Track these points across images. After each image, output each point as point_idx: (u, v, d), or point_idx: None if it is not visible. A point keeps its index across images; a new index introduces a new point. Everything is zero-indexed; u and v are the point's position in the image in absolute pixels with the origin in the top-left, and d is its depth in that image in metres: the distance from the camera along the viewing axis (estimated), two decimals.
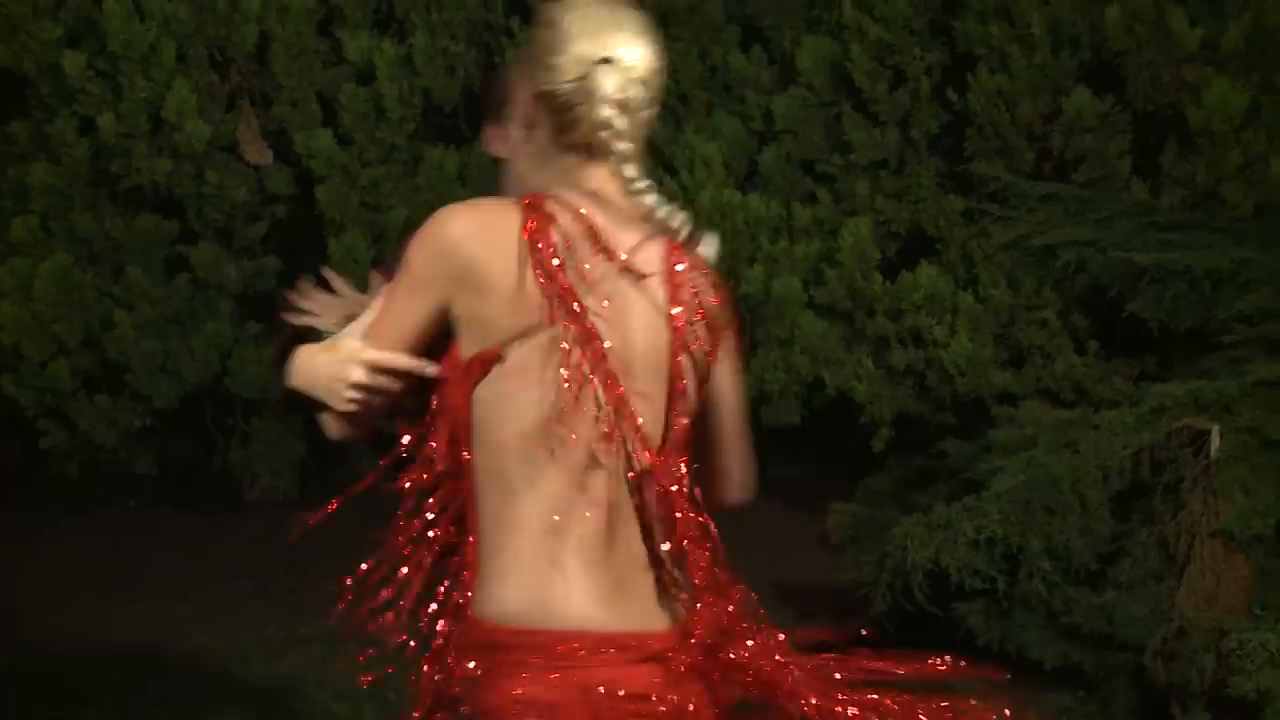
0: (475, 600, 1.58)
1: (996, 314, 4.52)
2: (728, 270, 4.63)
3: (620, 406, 1.56)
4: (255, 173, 4.89)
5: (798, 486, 5.14)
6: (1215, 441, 3.33)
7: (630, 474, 1.57)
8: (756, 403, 4.75)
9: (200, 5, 4.70)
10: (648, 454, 1.57)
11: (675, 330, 1.59)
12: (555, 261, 1.56)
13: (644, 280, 1.60)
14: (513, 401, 1.56)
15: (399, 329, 1.61)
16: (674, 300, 1.60)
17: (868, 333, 4.66)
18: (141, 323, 4.70)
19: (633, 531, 1.59)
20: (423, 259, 1.60)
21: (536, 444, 1.55)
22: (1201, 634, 3.20)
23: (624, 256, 1.59)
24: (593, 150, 1.62)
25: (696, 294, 1.61)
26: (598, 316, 1.56)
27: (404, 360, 1.62)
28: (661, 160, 4.83)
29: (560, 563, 1.55)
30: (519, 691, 1.52)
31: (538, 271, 1.56)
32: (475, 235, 1.59)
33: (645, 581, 1.60)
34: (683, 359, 1.60)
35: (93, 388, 4.81)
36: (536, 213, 1.59)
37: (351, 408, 1.63)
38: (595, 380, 1.55)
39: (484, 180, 5.02)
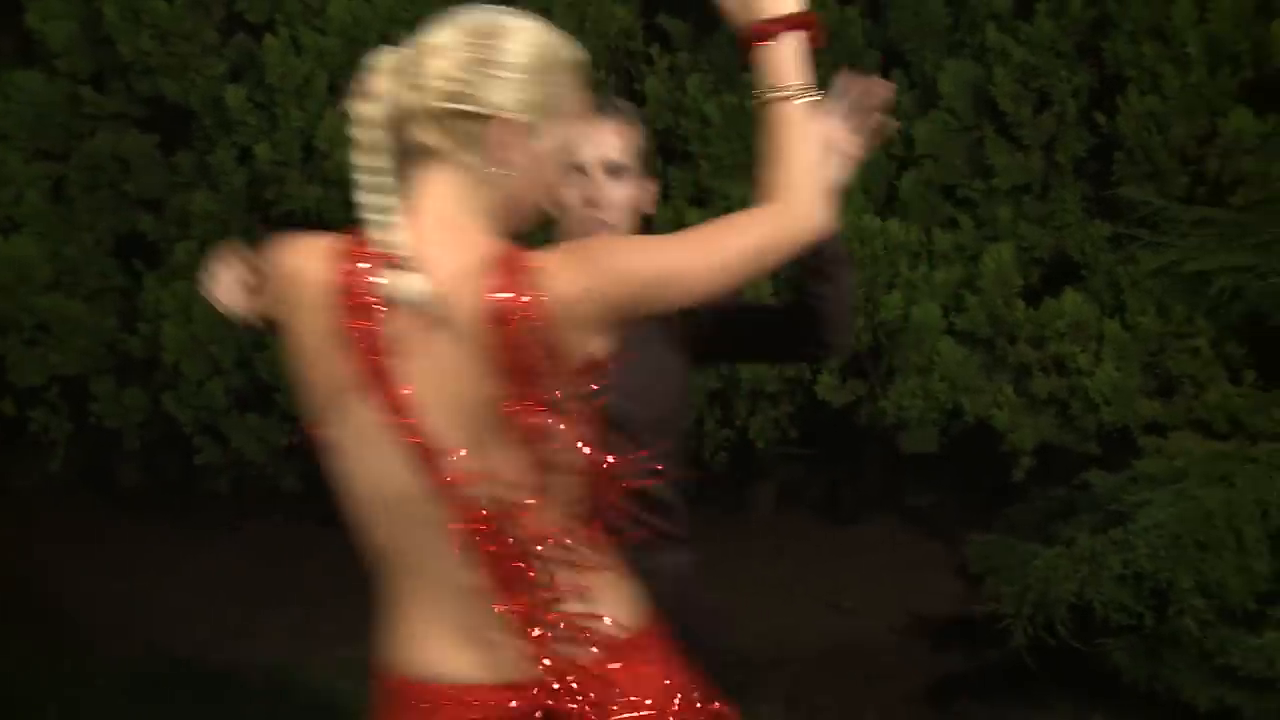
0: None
1: (1145, 342, 4.38)
2: (866, 296, 4.59)
3: (434, 476, 1.48)
4: None
5: (934, 515, 5.06)
6: None
7: (455, 537, 1.49)
8: (893, 430, 4.68)
9: (351, 38, 4.86)
10: (469, 518, 1.48)
11: (507, 370, 1.45)
12: (368, 316, 1.46)
13: (465, 339, 1.46)
14: (345, 476, 1.56)
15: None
16: (498, 338, 1.44)
17: (1009, 360, 4.56)
18: None
19: (473, 588, 1.52)
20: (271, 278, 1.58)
21: (369, 513, 1.56)
22: None
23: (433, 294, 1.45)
24: (410, 156, 1.51)
25: (527, 318, 1.44)
26: (411, 376, 1.47)
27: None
28: None
29: (417, 618, 1.56)
30: None
31: (350, 329, 1.48)
32: (287, 281, 1.54)
33: (489, 635, 1.53)
34: (518, 401, 1.46)
35: (245, 406, 4.99)
36: (351, 253, 1.49)
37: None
38: (408, 449, 1.48)
39: None
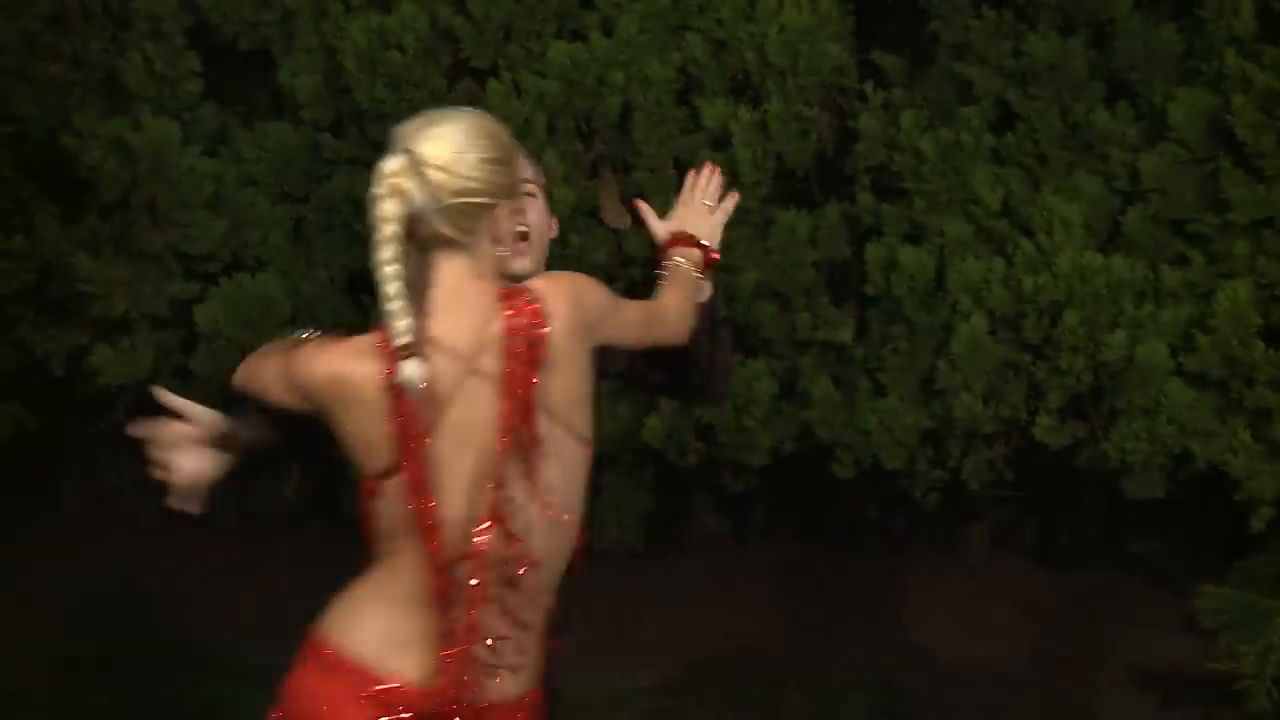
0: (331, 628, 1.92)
1: None
2: (1088, 335, 4.44)
3: (434, 527, 1.80)
4: (614, 236, 5.13)
5: (1159, 564, 4.81)
6: None
7: (440, 570, 1.81)
8: (1116, 474, 4.49)
9: (570, 80, 5.01)
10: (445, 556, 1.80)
11: (504, 427, 1.79)
12: (408, 409, 1.77)
13: (491, 380, 1.80)
14: (380, 518, 1.87)
15: (264, 390, 1.96)
16: (513, 407, 1.79)
17: (1245, 403, 4.31)
18: None
19: (449, 610, 1.83)
20: (293, 382, 1.89)
21: (393, 546, 1.86)
22: None
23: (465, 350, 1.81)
24: (425, 244, 1.82)
25: (550, 377, 1.80)
26: (439, 441, 1.79)
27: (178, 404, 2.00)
28: (1018, 222, 4.69)
29: (397, 627, 1.85)
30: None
31: (393, 419, 1.79)
32: (333, 384, 1.85)
33: (429, 647, 1.83)
34: (509, 456, 1.80)
35: None
36: (379, 349, 1.81)
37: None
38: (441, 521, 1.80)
39: (834, 243, 5.06)
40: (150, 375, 5.36)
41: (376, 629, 1.85)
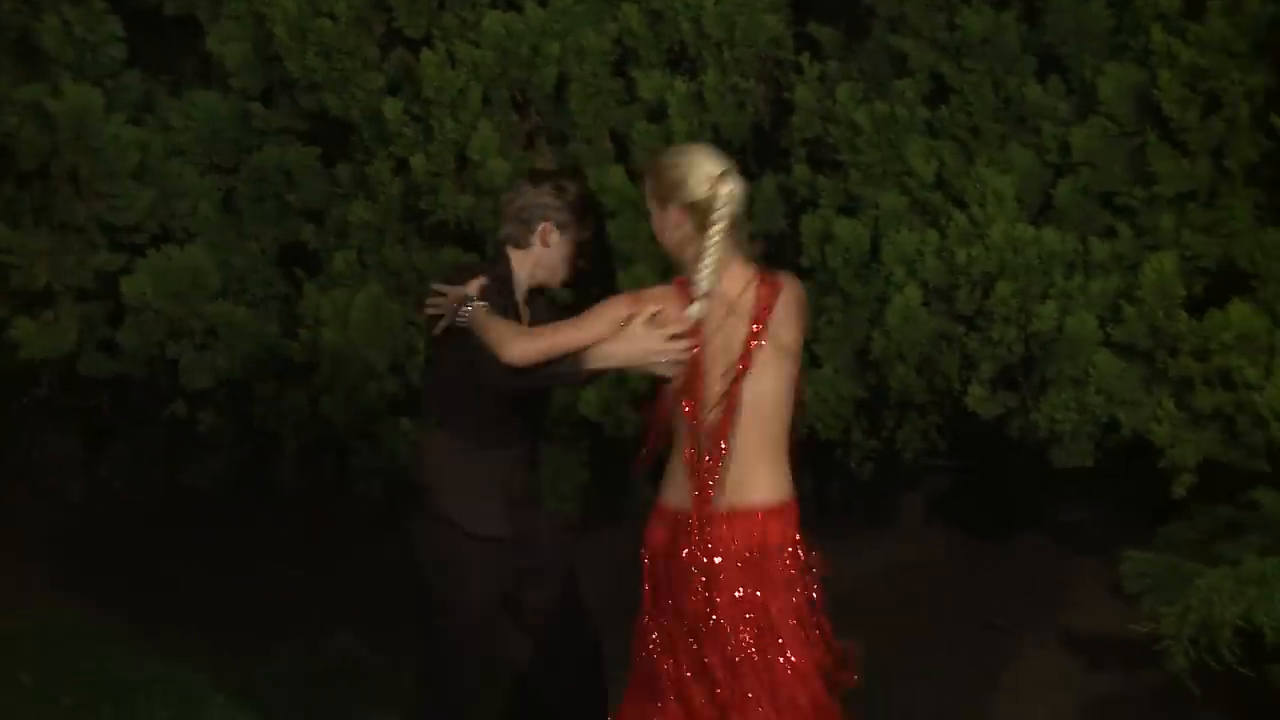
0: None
1: None
2: (1019, 306, 4.50)
3: (709, 409, 2.89)
4: None
5: (1087, 531, 4.91)
6: None
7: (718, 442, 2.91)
8: (1045, 443, 4.57)
9: (504, 50, 4.97)
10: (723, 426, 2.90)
11: (746, 349, 2.89)
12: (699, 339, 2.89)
13: (744, 319, 2.90)
14: (669, 408, 2.94)
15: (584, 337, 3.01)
16: (755, 331, 2.89)
17: (1170, 373, 4.40)
18: None
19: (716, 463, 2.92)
20: (623, 316, 2.95)
21: (677, 429, 2.94)
22: None
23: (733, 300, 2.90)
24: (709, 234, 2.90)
25: (776, 320, 2.91)
26: (711, 358, 2.88)
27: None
28: (952, 194, 4.73)
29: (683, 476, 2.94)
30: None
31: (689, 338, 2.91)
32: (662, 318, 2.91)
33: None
34: (745, 369, 2.89)
35: (397, 410, 5.13)
36: (679, 295, 2.92)
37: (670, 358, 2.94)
38: (703, 402, 2.89)
39: (769, 215, 5.08)
40: (75, 349, 5.26)
41: (681, 486, 2.90)
